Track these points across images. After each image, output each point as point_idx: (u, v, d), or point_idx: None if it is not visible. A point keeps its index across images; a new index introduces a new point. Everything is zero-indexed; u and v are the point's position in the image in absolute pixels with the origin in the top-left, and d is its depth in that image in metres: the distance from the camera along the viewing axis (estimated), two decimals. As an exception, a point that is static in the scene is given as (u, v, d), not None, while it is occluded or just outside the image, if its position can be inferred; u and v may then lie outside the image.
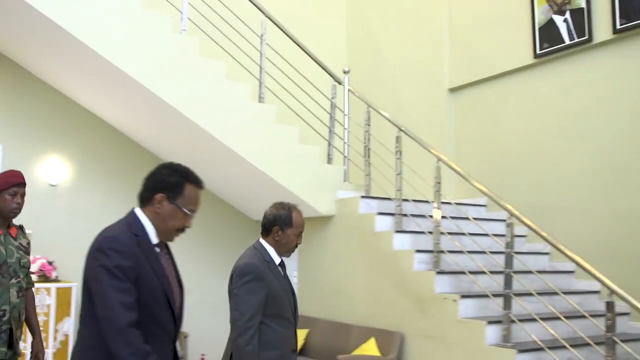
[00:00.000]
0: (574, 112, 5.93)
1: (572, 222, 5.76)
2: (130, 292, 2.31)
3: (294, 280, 6.80)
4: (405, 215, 5.70)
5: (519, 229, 5.49)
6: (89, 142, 6.87)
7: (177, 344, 2.60)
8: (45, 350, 4.38)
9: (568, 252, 4.42)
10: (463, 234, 5.42)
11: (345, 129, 6.47)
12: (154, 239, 2.49)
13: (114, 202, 6.70)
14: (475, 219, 5.52)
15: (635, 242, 5.32)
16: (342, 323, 5.94)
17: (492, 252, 5.17)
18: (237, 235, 7.39)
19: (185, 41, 5.69)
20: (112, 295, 2.27)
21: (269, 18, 6.23)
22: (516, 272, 4.71)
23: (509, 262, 4.63)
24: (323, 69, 6.50)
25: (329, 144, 6.46)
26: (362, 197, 6.00)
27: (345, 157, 6.42)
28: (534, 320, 4.59)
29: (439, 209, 5.31)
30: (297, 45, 6.37)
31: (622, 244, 5.40)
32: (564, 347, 4.34)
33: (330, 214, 6.21)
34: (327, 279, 6.28)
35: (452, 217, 5.59)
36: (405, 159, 5.86)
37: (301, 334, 6.24)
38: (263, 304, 3.22)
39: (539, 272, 5.21)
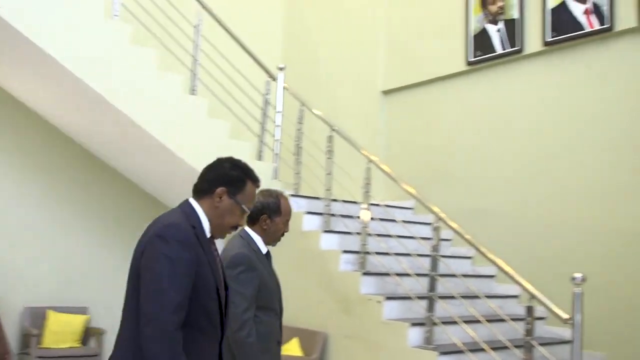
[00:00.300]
0: (504, 120, 6.06)
1: (497, 227, 5.86)
2: (186, 289, 2.15)
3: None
4: (333, 215, 5.67)
5: (445, 233, 5.56)
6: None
7: (223, 345, 2.42)
8: None
9: (491, 256, 4.48)
10: (390, 235, 5.44)
11: (277, 125, 6.40)
12: (208, 232, 2.35)
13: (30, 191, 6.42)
14: (402, 221, 5.56)
15: (554, 247, 5.46)
16: (267, 322, 5.85)
17: (418, 255, 5.20)
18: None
19: (117, 27, 5.49)
20: (168, 292, 2.11)
21: (204, 8, 6.09)
22: (441, 276, 4.76)
23: (434, 265, 4.66)
24: (258, 64, 6.41)
25: (260, 141, 6.37)
26: (292, 195, 5.93)
27: (275, 154, 6.35)
28: (455, 323, 4.64)
29: (367, 210, 5.32)
30: (233, 38, 6.26)
31: (541, 249, 5.54)
32: (483, 349, 4.41)
33: (258, 211, 6.12)
34: (253, 277, 6.19)
35: (381, 219, 5.62)
36: (336, 159, 5.84)
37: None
38: (256, 294, 3.07)
39: (463, 275, 5.29)
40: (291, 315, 5.62)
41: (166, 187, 6.87)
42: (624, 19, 5.24)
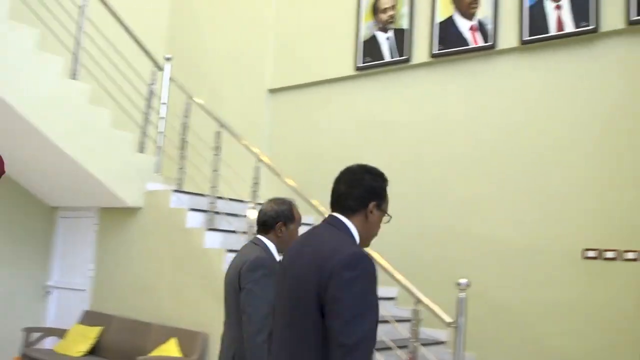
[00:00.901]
0: (390, 126, 6.19)
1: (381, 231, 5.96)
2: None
3: (89, 274, 6.35)
4: (218, 213, 5.56)
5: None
6: None
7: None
8: None
9: (380, 261, 4.57)
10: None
11: (161, 117, 6.18)
12: None
13: None
14: None
15: (435, 252, 5.66)
16: (142, 322, 5.63)
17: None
18: (30, 222, 6.75)
19: (-8, 1, 5.07)
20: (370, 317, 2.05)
21: (90, -11, 5.77)
22: None
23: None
24: (145, 52, 6.16)
25: (143, 133, 6.12)
26: (175, 191, 5.75)
27: (158, 147, 6.13)
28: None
29: (254, 209, 5.25)
30: (120, 23, 5.97)
31: (423, 254, 5.73)
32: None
33: (138, 206, 5.88)
34: (129, 274, 5.93)
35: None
36: (222, 155, 5.73)
37: (93, 332, 5.83)
38: None
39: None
40: (170, 314, 5.49)
41: (41, 178, 6.41)
42: (507, 38, 5.54)
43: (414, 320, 4.16)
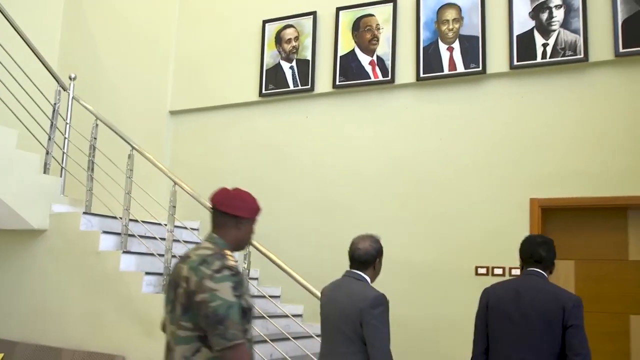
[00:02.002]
0: (295, 151, 6.54)
1: (284, 250, 6.26)
2: None
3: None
4: (132, 235, 5.60)
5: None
6: None
7: None
8: None
9: (296, 276, 4.89)
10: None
11: (65, 138, 6.10)
12: None
13: None
14: (188, 242, 5.72)
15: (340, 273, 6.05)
16: (51, 347, 5.51)
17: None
18: None
19: None
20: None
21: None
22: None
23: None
24: (49, 71, 6.05)
25: (47, 153, 6.00)
26: (84, 213, 5.71)
27: (63, 168, 6.04)
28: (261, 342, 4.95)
29: (172, 232, 5.37)
30: (25, 41, 5.84)
31: (327, 275, 6.09)
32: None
33: (42, 228, 5.76)
34: (33, 298, 5.77)
35: (176, 240, 5.69)
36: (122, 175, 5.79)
37: (-7, 359, 5.62)
38: None
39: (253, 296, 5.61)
40: (82, 338, 5.43)
41: None
42: (404, 74, 6.09)
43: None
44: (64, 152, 6.05)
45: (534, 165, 5.51)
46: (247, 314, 2.55)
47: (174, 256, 5.34)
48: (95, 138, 5.99)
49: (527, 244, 3.58)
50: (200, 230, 6.70)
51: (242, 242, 2.84)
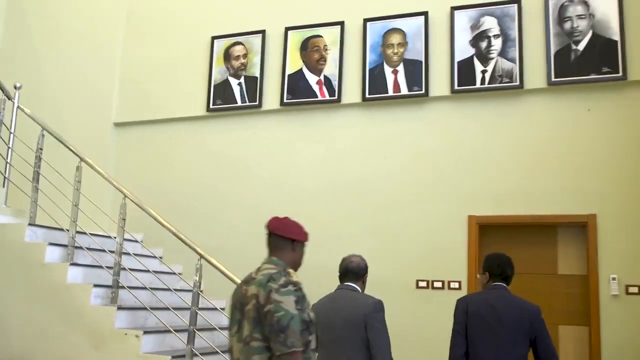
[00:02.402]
0: (243, 165, 6.67)
1: (230, 264, 6.35)
2: None
3: None
4: (80, 247, 5.57)
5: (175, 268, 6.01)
6: None
7: None
8: None
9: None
10: (146, 270, 5.57)
11: (9, 147, 6.01)
12: None
13: None
14: (136, 254, 5.73)
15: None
16: (-8, 360, 5.40)
17: (175, 290, 5.46)
18: None
19: None
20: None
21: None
22: (201, 309, 5.11)
23: (195, 301, 4.98)
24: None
25: (-6, 164, 5.91)
26: (29, 224, 5.63)
27: (6, 178, 5.94)
28: (213, 353, 5.03)
29: (121, 244, 5.39)
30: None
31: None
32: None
33: (-17, 239, 5.65)
34: (-30, 312, 5.64)
35: (124, 253, 5.69)
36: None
37: None
38: None
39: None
40: (25, 352, 5.34)
41: None
42: (350, 94, 6.34)
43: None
44: (7, 162, 5.95)
45: (472, 183, 5.84)
46: (308, 326, 2.82)
47: (123, 268, 5.36)
48: (41, 149, 5.93)
49: (498, 261, 4.03)
50: (144, 242, 6.70)
51: (297, 263, 3.19)
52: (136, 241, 6.14)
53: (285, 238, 3.17)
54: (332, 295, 4.05)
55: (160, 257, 6.50)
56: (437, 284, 5.76)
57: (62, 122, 7.13)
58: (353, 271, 4.04)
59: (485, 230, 5.84)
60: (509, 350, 3.80)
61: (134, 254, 5.74)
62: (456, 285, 5.71)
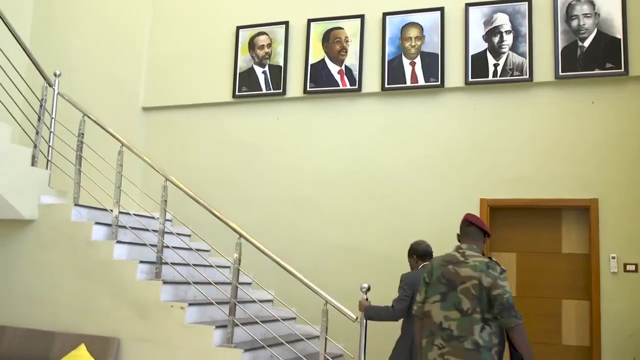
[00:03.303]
0: (263, 150, 7.11)
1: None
2: None
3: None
4: (124, 226, 5.99)
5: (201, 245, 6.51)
6: None
7: None
8: None
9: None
10: (187, 248, 6.03)
11: (51, 132, 6.38)
12: None
13: None
14: (167, 232, 6.16)
15: (307, 260, 6.68)
16: (42, 330, 5.83)
17: (217, 267, 5.94)
18: None
19: None
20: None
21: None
22: (218, 283, 5.58)
23: (235, 275, 5.44)
24: (36, 67, 6.30)
25: (35, 146, 6.27)
26: (76, 205, 6.04)
27: (49, 161, 6.32)
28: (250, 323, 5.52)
29: (163, 223, 5.82)
30: (15, 38, 6.07)
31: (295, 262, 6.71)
32: (276, 344, 5.40)
33: (32, 219, 6.04)
34: (20, 285, 6.03)
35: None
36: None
37: (-18, 343, 5.88)
38: None
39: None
40: (74, 323, 5.79)
41: None
42: (370, 84, 6.77)
43: (324, 318, 5.14)
44: (49, 146, 6.33)
45: (483, 169, 6.33)
46: None
47: (166, 246, 5.80)
48: (82, 133, 6.30)
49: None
50: (172, 222, 7.13)
51: (483, 251, 3.98)
52: (170, 221, 6.57)
53: (482, 231, 3.92)
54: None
55: (189, 235, 6.92)
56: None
57: (91, 107, 7.52)
58: (428, 252, 5.06)
59: (496, 212, 6.34)
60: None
61: (165, 232, 6.17)
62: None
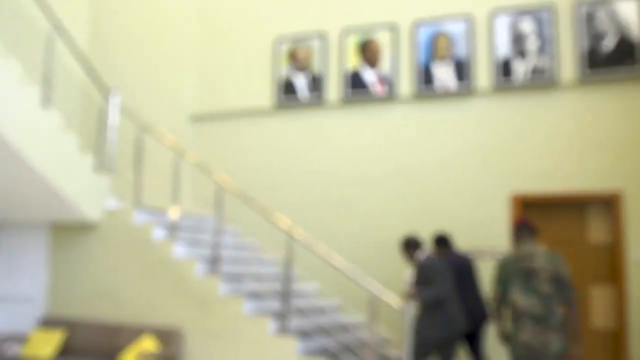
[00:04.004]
0: (304, 155, 7.60)
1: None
2: None
3: (41, 285, 6.83)
4: (181, 227, 6.51)
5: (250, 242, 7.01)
6: None
7: None
8: None
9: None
10: (239, 245, 6.51)
11: (111, 141, 6.91)
12: None
13: None
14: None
15: (346, 254, 7.16)
16: (110, 324, 6.35)
17: (250, 261, 6.41)
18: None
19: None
20: None
21: (56, 26, 6.36)
22: (269, 278, 6.05)
23: (288, 269, 5.92)
24: (96, 81, 6.83)
25: (97, 155, 6.79)
26: (136, 208, 6.56)
27: (110, 168, 6.85)
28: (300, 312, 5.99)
29: (220, 224, 6.31)
30: (81, 56, 6.60)
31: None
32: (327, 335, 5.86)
33: (97, 222, 6.57)
34: (89, 283, 6.58)
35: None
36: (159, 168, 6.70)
37: (55, 336, 6.41)
38: None
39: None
40: (139, 317, 6.31)
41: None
42: (404, 90, 7.23)
43: (371, 309, 5.60)
44: (110, 154, 6.86)
45: (514, 167, 6.76)
46: None
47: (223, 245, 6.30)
48: (140, 142, 6.83)
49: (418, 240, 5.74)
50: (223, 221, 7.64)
51: None
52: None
53: (535, 231, 4.87)
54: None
55: (239, 234, 7.44)
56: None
57: (143, 117, 8.08)
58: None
59: (526, 206, 6.76)
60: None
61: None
62: (501, 255, 6.66)
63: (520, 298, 4.62)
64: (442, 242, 6.23)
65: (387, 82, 7.29)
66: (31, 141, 5.84)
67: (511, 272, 4.70)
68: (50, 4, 7.90)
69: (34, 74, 6.39)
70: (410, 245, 5.75)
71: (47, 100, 6.22)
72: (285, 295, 5.85)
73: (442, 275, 5.47)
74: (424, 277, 5.49)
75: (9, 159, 5.83)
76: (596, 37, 6.59)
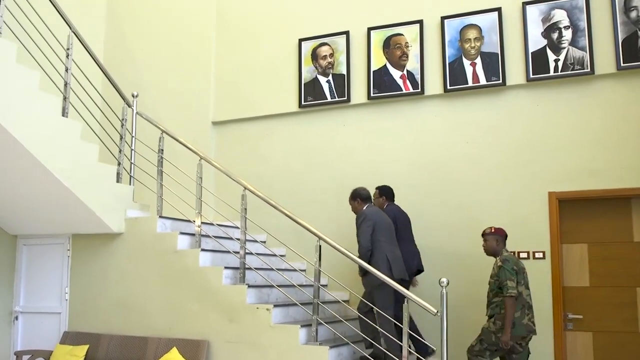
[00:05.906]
0: (331, 156, 7.36)
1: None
2: None
3: (65, 297, 6.70)
4: (207, 235, 6.32)
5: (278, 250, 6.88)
6: None
7: None
8: None
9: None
10: (271, 254, 6.33)
11: (132, 150, 6.77)
12: None
13: None
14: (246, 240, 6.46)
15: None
16: (136, 336, 6.19)
17: (298, 270, 6.21)
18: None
19: (3, 45, 5.40)
20: None
21: (74, 33, 6.24)
22: (302, 286, 5.83)
23: (317, 277, 5.68)
24: (116, 89, 6.70)
25: (119, 164, 6.66)
26: (160, 217, 6.39)
27: (132, 177, 6.71)
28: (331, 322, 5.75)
29: (245, 232, 6.10)
30: (99, 66, 6.49)
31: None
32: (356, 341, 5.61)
33: (120, 232, 6.42)
34: (113, 295, 6.42)
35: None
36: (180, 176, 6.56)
37: (80, 350, 6.26)
38: None
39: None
40: (165, 328, 6.13)
41: (6, 209, 6.63)
42: (432, 86, 6.97)
43: (406, 313, 5.33)
44: (131, 163, 6.72)
45: (550, 163, 6.44)
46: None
47: (248, 253, 6.09)
48: (162, 149, 6.67)
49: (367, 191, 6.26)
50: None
51: None
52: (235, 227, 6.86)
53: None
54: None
55: (264, 242, 7.21)
56: (523, 255, 6.40)
57: (164, 124, 7.91)
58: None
59: (564, 204, 6.44)
60: None
61: (236, 238, 6.44)
62: (540, 255, 6.34)
63: (524, 291, 5.56)
64: (384, 192, 6.56)
65: (415, 79, 7.04)
66: (53, 151, 5.72)
67: (519, 268, 5.62)
68: (69, 13, 7.83)
69: (53, 83, 6.26)
70: (355, 198, 6.21)
71: (67, 109, 6.11)
72: (315, 303, 5.62)
73: (367, 222, 5.90)
74: (357, 225, 6.04)
75: (34, 170, 5.71)
76: (635, 24, 6.26)
